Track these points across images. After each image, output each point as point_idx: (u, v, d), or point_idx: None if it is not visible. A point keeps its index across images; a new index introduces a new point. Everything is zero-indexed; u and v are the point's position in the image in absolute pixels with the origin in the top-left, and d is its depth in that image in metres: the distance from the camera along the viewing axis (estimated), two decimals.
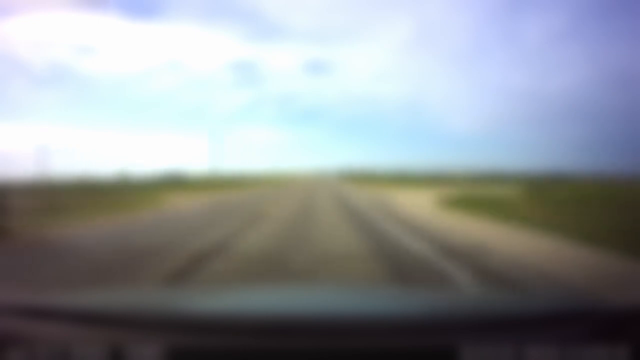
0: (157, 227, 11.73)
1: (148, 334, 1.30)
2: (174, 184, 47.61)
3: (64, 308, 1.53)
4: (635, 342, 1.23)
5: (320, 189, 32.77)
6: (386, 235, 9.10)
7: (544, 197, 20.94)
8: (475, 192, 24.99)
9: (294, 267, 5.70)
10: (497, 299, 2.18)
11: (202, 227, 10.87)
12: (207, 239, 8.44)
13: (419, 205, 18.14)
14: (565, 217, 12.16)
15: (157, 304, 1.84)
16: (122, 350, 1.19)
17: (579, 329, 1.35)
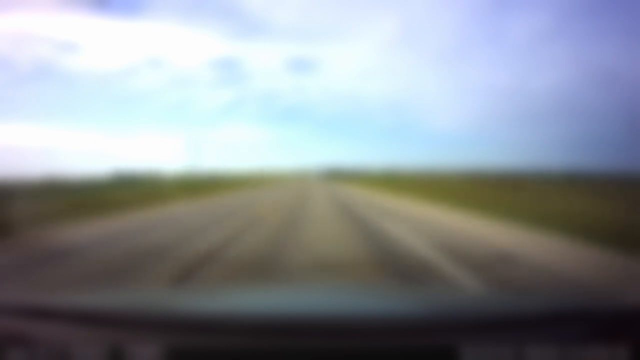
0: None
1: (148, 334, 1.30)
2: (136, 187, 37.84)
3: (64, 308, 1.53)
4: (635, 342, 1.23)
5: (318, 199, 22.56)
6: None
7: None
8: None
9: None
10: (497, 299, 2.18)
11: None
12: None
13: None
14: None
15: (157, 304, 1.84)
16: (122, 350, 1.19)
17: (579, 329, 1.35)
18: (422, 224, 10.60)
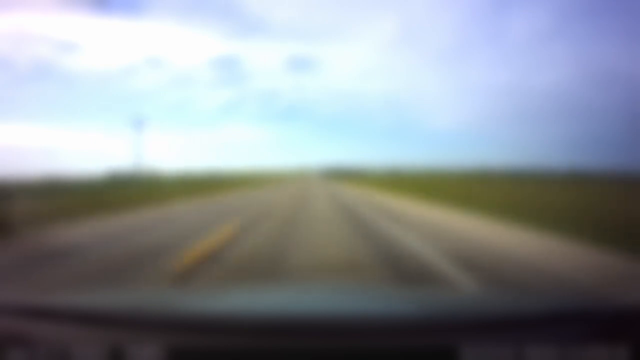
0: None
1: (148, 334, 1.30)
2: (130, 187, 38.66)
3: (64, 308, 1.53)
4: (635, 342, 1.23)
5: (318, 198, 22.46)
6: None
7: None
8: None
9: None
10: (497, 299, 2.18)
11: None
12: None
13: None
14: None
15: (157, 304, 1.84)
16: (122, 350, 1.19)
17: (579, 329, 1.35)
18: (423, 226, 10.61)
